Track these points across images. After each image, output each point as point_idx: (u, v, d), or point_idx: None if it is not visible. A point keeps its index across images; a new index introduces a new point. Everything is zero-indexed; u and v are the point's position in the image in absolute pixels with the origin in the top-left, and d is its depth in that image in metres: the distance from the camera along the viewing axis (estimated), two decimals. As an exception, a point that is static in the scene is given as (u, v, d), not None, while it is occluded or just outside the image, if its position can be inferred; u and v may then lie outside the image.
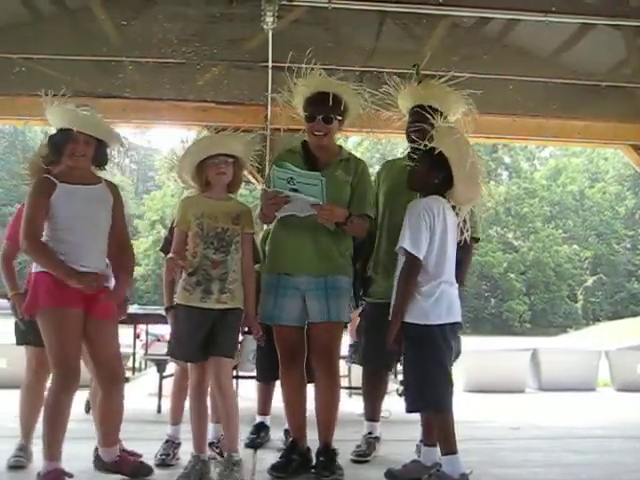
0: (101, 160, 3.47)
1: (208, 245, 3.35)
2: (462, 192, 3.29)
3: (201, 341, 3.34)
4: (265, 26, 4.81)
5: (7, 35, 5.38)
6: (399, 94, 3.75)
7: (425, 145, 3.24)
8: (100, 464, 3.43)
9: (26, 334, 3.71)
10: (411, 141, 3.59)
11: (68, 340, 3.15)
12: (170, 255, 3.38)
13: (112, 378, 3.37)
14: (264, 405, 4.53)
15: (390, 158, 3.78)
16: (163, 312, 4.06)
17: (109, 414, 3.40)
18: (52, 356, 3.16)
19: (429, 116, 3.34)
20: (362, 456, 3.89)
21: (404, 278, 3.18)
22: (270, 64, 5.34)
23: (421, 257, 3.17)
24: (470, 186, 3.28)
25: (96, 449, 3.56)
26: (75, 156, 3.30)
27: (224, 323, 3.35)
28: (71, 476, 3.18)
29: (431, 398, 3.16)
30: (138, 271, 34.89)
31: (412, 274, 3.17)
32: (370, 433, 4.00)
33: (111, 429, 3.42)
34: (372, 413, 4.04)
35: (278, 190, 3.32)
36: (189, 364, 3.47)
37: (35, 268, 3.23)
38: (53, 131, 3.41)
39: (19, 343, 3.80)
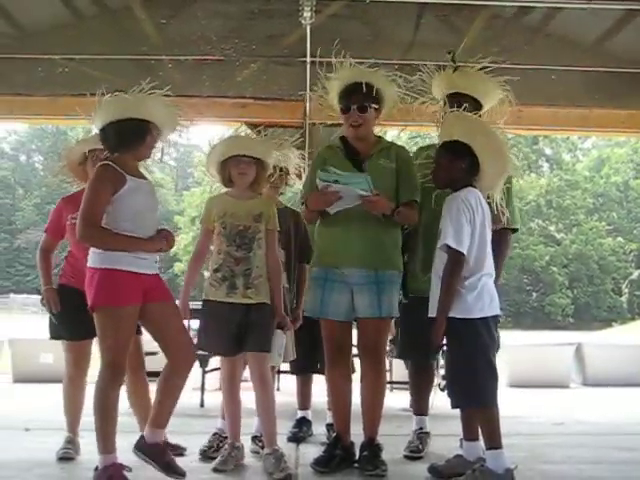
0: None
1: (230, 243, 3.46)
2: (491, 169, 3.25)
3: (229, 336, 3.43)
4: (303, 21, 4.83)
5: (49, 36, 5.49)
6: (433, 81, 3.70)
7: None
8: (140, 444, 3.23)
9: (58, 328, 3.75)
10: None
11: (122, 338, 3.13)
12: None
13: (184, 354, 3.24)
14: (304, 399, 4.53)
15: (423, 145, 3.70)
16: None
17: (169, 394, 3.26)
18: (103, 351, 3.15)
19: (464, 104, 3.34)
20: (416, 452, 3.83)
21: (449, 275, 3.14)
22: (308, 59, 5.33)
23: (465, 252, 3.13)
24: (498, 160, 3.25)
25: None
26: (153, 149, 3.28)
27: (253, 319, 3.42)
28: (130, 470, 3.19)
29: (477, 393, 3.12)
30: (178, 267, 35.26)
31: (457, 270, 3.13)
32: (421, 428, 3.95)
33: (165, 409, 3.28)
34: (421, 407, 4.01)
35: (327, 184, 3.34)
36: (221, 358, 3.58)
37: (94, 263, 3.14)
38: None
39: (52, 337, 3.86)
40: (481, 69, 3.62)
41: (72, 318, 3.66)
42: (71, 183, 4.02)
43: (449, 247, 3.14)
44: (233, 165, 3.52)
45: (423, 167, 3.57)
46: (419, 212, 3.65)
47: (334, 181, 3.35)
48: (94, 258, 3.14)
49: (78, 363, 3.76)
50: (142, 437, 3.27)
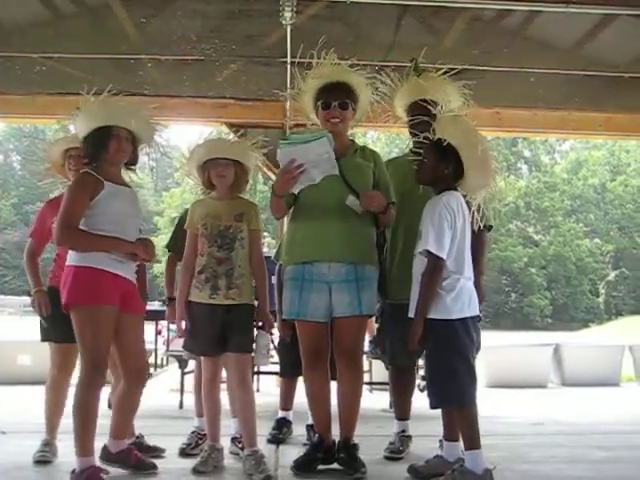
0: (133, 159, 3.50)
1: (212, 243, 3.49)
2: (474, 179, 3.27)
3: (214, 336, 3.46)
4: (284, 21, 4.81)
5: (27, 34, 5.42)
6: (399, 89, 3.77)
7: (427, 138, 3.25)
8: (105, 454, 3.39)
9: (48, 331, 3.75)
10: (414, 135, 3.63)
11: (101, 337, 3.17)
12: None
13: (139, 373, 3.42)
14: (286, 401, 4.53)
15: (392, 157, 3.85)
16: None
17: (127, 407, 3.43)
18: (83, 351, 3.17)
19: (430, 108, 3.39)
20: (396, 452, 3.84)
21: (428, 279, 3.15)
22: (289, 60, 5.32)
23: (445, 257, 3.15)
24: (482, 172, 3.27)
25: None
26: (121, 152, 3.32)
27: (235, 320, 3.45)
28: (107, 472, 3.21)
29: (456, 393, 3.13)
30: (158, 268, 35.02)
31: (437, 275, 3.14)
32: (403, 431, 3.96)
33: (125, 422, 3.47)
34: (403, 412, 4.01)
35: (288, 151, 3.32)
36: (202, 358, 3.62)
37: (73, 261, 3.20)
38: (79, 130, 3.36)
39: (43, 340, 3.83)
40: (443, 74, 3.72)
41: (61, 320, 3.63)
42: (54, 183, 3.99)
43: (429, 252, 3.15)
44: (212, 168, 3.55)
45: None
46: (398, 220, 3.68)
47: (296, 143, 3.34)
48: (72, 256, 3.21)
49: (64, 366, 3.73)
50: (105, 447, 3.39)
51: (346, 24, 5.38)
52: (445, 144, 3.21)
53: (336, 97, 3.50)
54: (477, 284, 3.47)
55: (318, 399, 3.57)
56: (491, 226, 3.93)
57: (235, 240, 3.49)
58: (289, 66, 5.41)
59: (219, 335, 3.45)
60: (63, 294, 3.18)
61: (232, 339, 3.45)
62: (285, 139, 3.42)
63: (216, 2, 5.09)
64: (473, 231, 3.64)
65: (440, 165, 3.25)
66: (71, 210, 3.17)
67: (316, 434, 3.60)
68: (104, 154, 3.29)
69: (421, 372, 4.40)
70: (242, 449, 3.73)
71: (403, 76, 3.79)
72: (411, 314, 3.21)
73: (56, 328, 3.66)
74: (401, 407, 4.03)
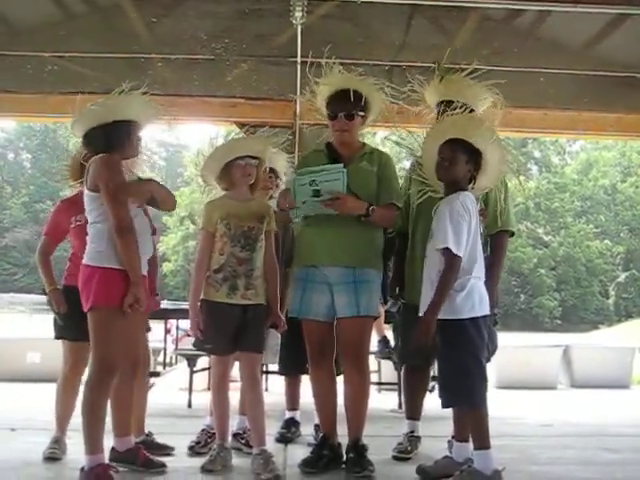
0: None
1: (235, 243, 3.48)
2: (482, 182, 3.32)
3: (227, 336, 3.46)
4: (294, 21, 4.81)
5: (39, 34, 5.45)
6: (425, 90, 3.78)
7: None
8: (113, 455, 3.40)
9: (62, 329, 3.78)
10: None
11: (116, 338, 3.16)
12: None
13: (136, 366, 3.47)
14: (292, 400, 4.54)
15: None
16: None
17: (124, 402, 3.44)
18: (97, 351, 3.17)
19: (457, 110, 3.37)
20: (404, 453, 3.84)
21: (446, 277, 3.14)
22: (299, 59, 5.32)
23: (462, 255, 3.15)
24: (492, 177, 3.32)
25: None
26: (137, 147, 3.34)
27: (250, 319, 3.47)
28: (117, 470, 3.22)
29: (467, 393, 3.14)
30: (167, 267, 35.20)
31: (454, 273, 3.14)
32: (412, 432, 3.95)
33: (126, 417, 3.47)
34: (413, 411, 4.01)
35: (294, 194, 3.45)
36: (213, 357, 3.62)
37: (93, 261, 3.18)
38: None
39: (57, 337, 3.86)
40: (469, 74, 3.68)
41: (77, 319, 3.64)
42: (60, 182, 4.01)
43: (447, 250, 3.14)
44: (237, 167, 3.52)
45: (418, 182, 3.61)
46: (416, 221, 3.68)
47: (310, 181, 3.38)
48: (94, 256, 3.18)
49: (76, 364, 3.76)
50: (113, 448, 3.40)
51: (356, 24, 5.38)
52: (471, 144, 3.23)
53: (342, 108, 3.52)
54: (490, 291, 3.42)
55: (323, 397, 3.62)
56: (513, 232, 3.90)
57: (257, 241, 3.51)
58: (299, 66, 5.40)
59: (233, 334, 3.47)
60: (85, 295, 3.17)
61: (245, 338, 3.46)
62: (300, 174, 3.46)
63: (227, 2, 5.10)
64: (492, 234, 3.68)
65: (466, 166, 3.27)
66: (123, 213, 3.16)
67: (322, 433, 3.62)
68: (124, 147, 3.29)
69: (431, 373, 4.39)
70: (245, 445, 3.79)
71: (429, 77, 3.79)
72: (421, 313, 3.21)
73: (71, 326, 3.68)
74: (412, 406, 4.03)
